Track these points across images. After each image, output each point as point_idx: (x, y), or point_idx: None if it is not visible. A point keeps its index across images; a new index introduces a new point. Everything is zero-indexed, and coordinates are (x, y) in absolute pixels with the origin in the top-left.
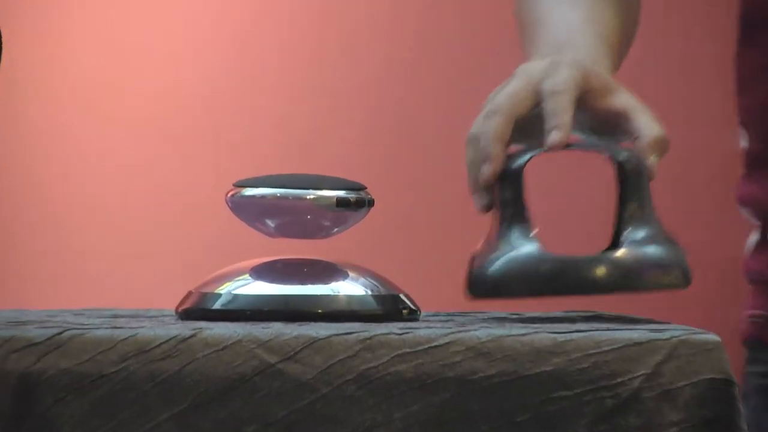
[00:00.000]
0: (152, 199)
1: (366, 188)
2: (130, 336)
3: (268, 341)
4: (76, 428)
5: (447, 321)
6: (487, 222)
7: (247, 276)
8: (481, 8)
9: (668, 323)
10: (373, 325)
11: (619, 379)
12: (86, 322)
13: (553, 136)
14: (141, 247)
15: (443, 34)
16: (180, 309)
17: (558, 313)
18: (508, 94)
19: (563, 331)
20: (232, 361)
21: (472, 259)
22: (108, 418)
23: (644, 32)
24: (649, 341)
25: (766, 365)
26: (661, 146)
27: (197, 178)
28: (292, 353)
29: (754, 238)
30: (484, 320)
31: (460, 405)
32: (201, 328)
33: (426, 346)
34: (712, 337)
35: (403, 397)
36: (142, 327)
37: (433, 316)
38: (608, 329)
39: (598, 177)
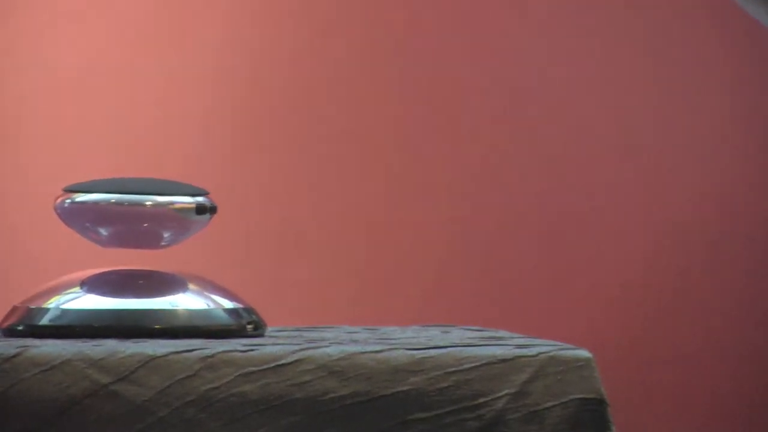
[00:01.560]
0: None
1: (209, 193)
2: None
3: (100, 360)
4: None
5: (295, 337)
6: (337, 231)
7: (77, 289)
8: (328, 6)
9: (537, 338)
10: (216, 341)
11: (482, 399)
12: None
13: None
14: None
15: (294, 27)
16: (3, 325)
17: (415, 327)
18: None
19: (421, 347)
20: (61, 382)
21: None
22: None
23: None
24: (514, 358)
25: None
26: None
27: (21, 181)
28: (127, 373)
29: None
30: (336, 336)
31: (310, 428)
32: (27, 346)
33: (273, 365)
34: (584, 352)
35: (249, 420)
36: None
37: (280, 331)
38: (470, 345)
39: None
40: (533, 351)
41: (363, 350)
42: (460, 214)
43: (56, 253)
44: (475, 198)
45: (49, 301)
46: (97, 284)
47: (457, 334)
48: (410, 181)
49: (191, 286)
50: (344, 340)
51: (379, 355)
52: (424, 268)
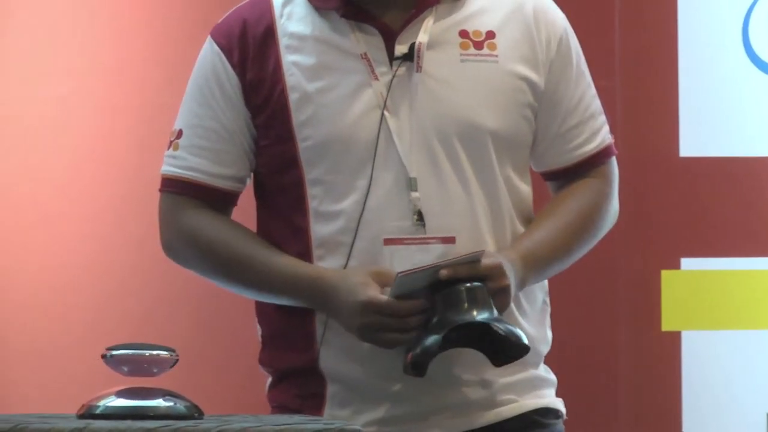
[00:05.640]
0: None
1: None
2: None
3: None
4: None
5: (215, 420)
6: None
7: (113, 396)
8: None
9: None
10: (178, 421)
11: None
12: None
13: None
14: None
15: None
16: (78, 413)
17: (270, 415)
18: None
19: (282, 423)
20: None
21: None
22: None
23: None
24: (326, 428)
25: None
26: None
27: None
28: None
29: None
30: (235, 419)
31: None
32: (88, 424)
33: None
34: (356, 426)
35: None
36: None
37: (210, 416)
38: (298, 423)
39: None
40: (336, 425)
41: (251, 425)
42: None
43: None
44: None
45: (101, 401)
46: (124, 393)
47: (283, 419)
48: None
49: (169, 395)
50: (238, 421)
51: (253, 426)
52: None
